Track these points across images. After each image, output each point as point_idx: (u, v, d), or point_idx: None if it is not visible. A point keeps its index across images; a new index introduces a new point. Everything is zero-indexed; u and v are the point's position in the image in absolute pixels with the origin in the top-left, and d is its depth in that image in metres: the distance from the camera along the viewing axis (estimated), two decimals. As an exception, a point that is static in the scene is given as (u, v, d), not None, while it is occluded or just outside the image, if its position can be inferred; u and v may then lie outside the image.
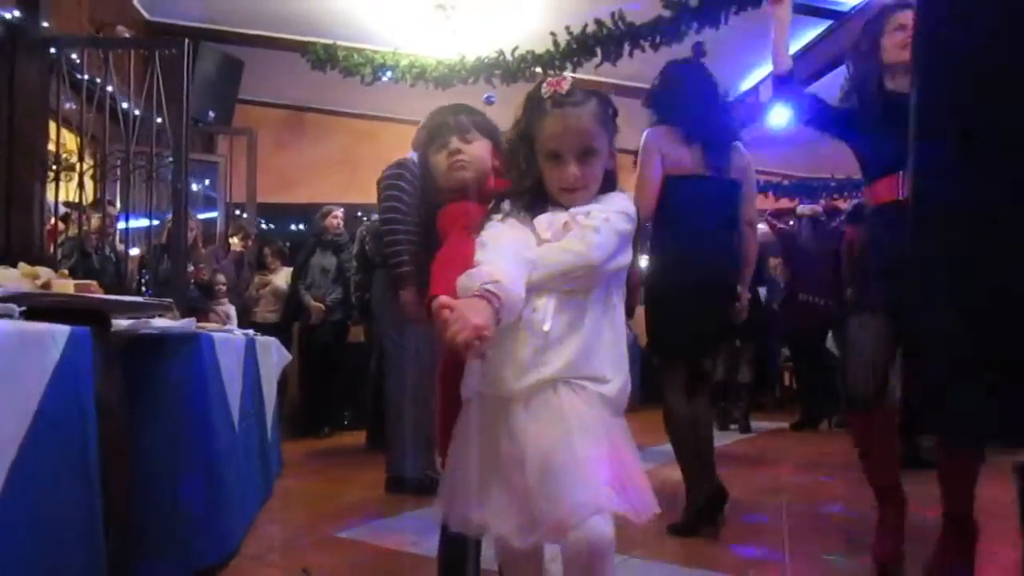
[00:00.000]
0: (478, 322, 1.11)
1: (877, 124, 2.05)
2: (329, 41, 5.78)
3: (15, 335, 1.25)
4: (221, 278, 4.95)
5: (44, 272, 1.67)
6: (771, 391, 7.44)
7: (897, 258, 1.78)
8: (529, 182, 1.35)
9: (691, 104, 2.62)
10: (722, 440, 4.69)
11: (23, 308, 1.40)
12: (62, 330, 1.41)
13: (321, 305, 5.41)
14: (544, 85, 1.34)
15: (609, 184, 1.37)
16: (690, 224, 2.53)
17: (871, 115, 2.08)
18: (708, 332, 2.62)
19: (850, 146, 2.22)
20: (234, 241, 6.09)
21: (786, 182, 7.70)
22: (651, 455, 3.83)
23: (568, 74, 1.22)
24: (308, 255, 5.60)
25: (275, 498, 3.20)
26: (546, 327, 1.24)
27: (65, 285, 1.67)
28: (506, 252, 1.26)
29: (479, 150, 1.50)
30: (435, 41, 5.56)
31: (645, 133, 2.62)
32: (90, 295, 1.68)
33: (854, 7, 4.94)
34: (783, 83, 2.21)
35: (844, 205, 6.15)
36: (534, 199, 1.34)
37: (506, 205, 1.35)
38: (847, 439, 5.02)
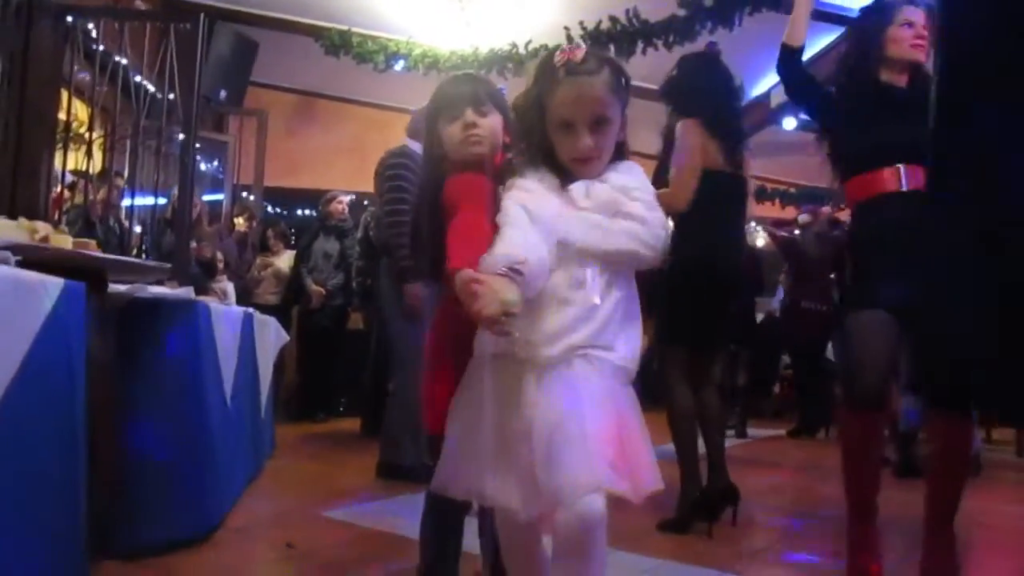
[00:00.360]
0: (508, 297, 1.10)
1: (869, 114, 2.02)
2: (344, 27, 5.77)
3: (7, 281, 1.25)
4: (219, 255, 4.95)
5: (43, 227, 1.67)
6: (769, 398, 7.42)
7: (907, 250, 1.77)
8: (540, 153, 1.32)
9: (712, 97, 2.62)
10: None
11: (19, 258, 1.40)
12: (56, 282, 1.40)
13: (322, 289, 5.41)
14: (558, 53, 1.31)
15: (620, 153, 1.35)
16: (711, 219, 2.53)
17: (864, 104, 2.05)
18: (716, 323, 2.64)
19: (831, 134, 2.17)
20: (239, 221, 6.11)
21: (793, 190, 7.67)
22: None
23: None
24: (311, 239, 5.60)
25: (265, 476, 3.20)
26: (596, 300, 1.25)
27: (64, 241, 1.67)
28: (531, 231, 1.24)
29: (493, 124, 1.45)
30: (449, 32, 5.55)
31: (682, 124, 2.60)
32: (88, 252, 1.67)
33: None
34: (791, 56, 2.15)
35: (845, 216, 6.14)
36: (547, 170, 1.32)
37: (529, 169, 1.33)
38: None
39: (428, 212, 1.43)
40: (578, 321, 1.24)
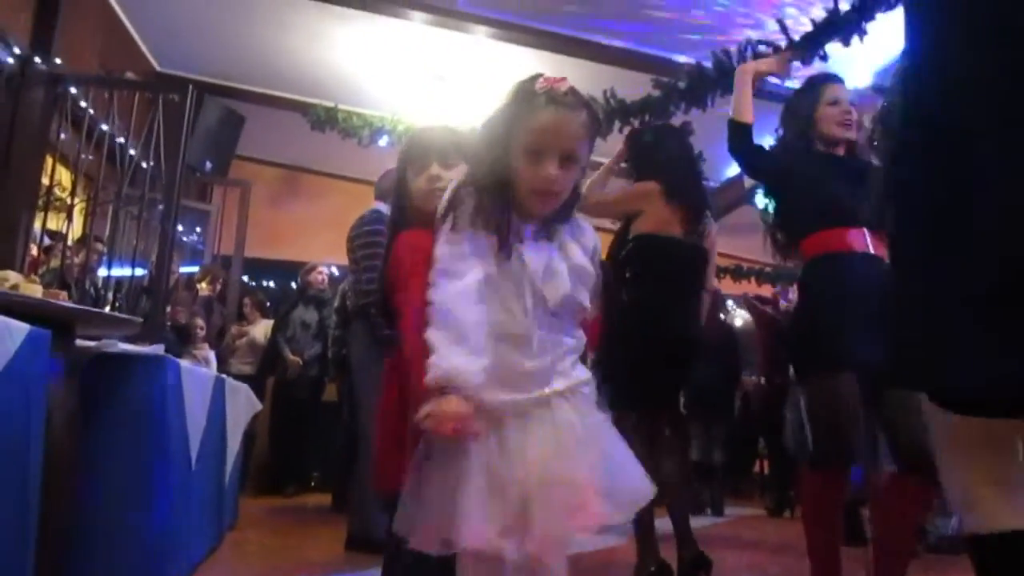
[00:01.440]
0: (459, 411, 1.11)
1: (821, 176, 2.09)
2: (330, 103, 5.93)
3: (-30, 321, 1.24)
4: (200, 322, 4.91)
5: (14, 276, 1.66)
6: (749, 475, 7.32)
7: (874, 311, 1.77)
8: (497, 176, 1.26)
9: (672, 164, 2.70)
10: (695, 523, 4.60)
11: (-16, 302, 1.39)
12: (20, 327, 1.39)
13: (298, 359, 5.36)
14: (540, 79, 1.26)
15: (573, 199, 1.32)
16: (663, 285, 2.56)
17: (812, 167, 2.12)
18: (667, 390, 2.65)
19: (779, 199, 2.23)
20: (202, 286, 6.04)
21: (769, 269, 7.81)
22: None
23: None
24: (290, 308, 5.59)
25: (225, 547, 3.09)
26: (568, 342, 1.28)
27: (33, 290, 1.66)
28: (466, 333, 1.16)
29: (458, 176, 1.40)
30: (433, 109, 5.72)
31: (641, 184, 2.68)
32: (57, 301, 1.66)
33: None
34: (742, 131, 2.24)
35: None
36: (495, 201, 1.25)
37: (463, 217, 1.25)
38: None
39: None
40: (552, 367, 1.24)
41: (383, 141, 5.86)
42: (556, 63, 5.23)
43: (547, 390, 1.22)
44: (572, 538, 1.17)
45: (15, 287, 1.61)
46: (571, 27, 4.90)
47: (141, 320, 2.02)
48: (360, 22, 5.21)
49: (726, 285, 7.78)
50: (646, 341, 2.52)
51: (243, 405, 3.65)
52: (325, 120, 5.89)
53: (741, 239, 8.05)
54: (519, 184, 1.25)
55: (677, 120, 4.28)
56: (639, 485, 1.24)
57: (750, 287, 7.93)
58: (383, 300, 1.44)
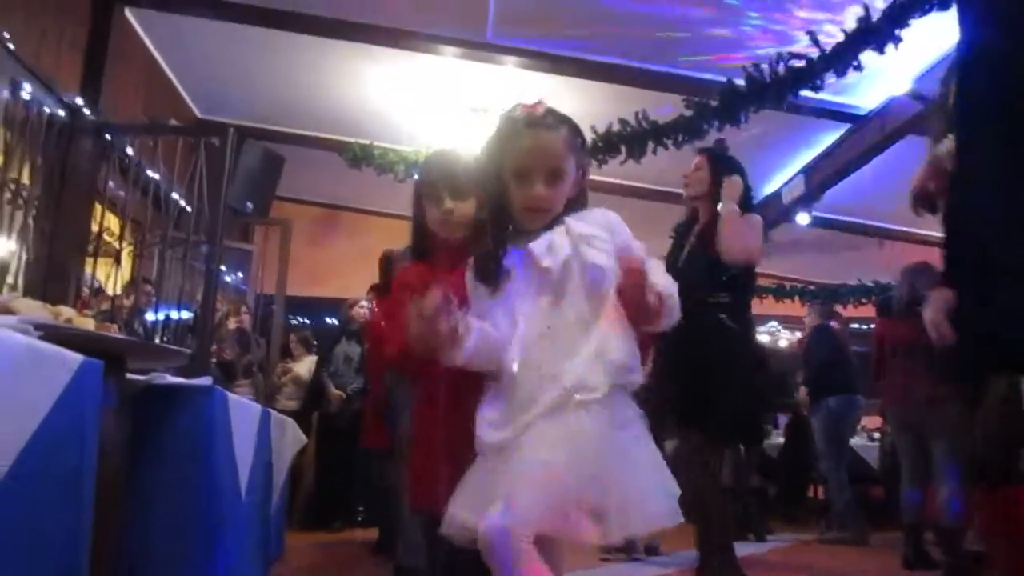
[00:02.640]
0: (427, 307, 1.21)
1: None
2: (366, 141, 6.04)
3: (28, 350, 1.27)
4: (249, 359, 4.98)
5: (67, 311, 1.70)
6: (802, 501, 7.05)
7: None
8: (496, 204, 1.37)
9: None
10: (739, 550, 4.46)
11: (40, 334, 1.43)
12: (75, 357, 1.42)
13: (342, 393, 5.39)
14: (520, 107, 1.38)
15: (581, 202, 1.40)
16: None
17: None
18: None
19: None
20: (230, 322, 6.07)
21: (811, 287, 7.67)
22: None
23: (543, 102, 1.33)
24: (333, 344, 5.64)
25: (277, 580, 3.08)
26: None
27: (86, 323, 1.69)
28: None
29: (471, 208, 1.53)
30: (466, 141, 5.79)
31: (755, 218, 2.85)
32: (109, 334, 1.70)
33: (872, 111, 5.08)
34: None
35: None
36: (500, 233, 1.37)
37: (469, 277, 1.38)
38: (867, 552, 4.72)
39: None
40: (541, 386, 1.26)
41: (419, 175, 5.95)
42: (585, 89, 5.28)
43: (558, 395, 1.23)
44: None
45: (69, 320, 1.64)
46: (599, 52, 4.94)
47: (189, 352, 2.05)
48: (392, 59, 5.32)
49: (767, 305, 7.66)
50: (752, 370, 2.69)
51: (289, 439, 3.67)
52: (361, 157, 6.00)
53: (780, 258, 7.95)
54: (515, 204, 1.36)
55: (711, 138, 4.27)
56: (657, 510, 1.22)
57: (793, 307, 7.79)
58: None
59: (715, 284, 2.68)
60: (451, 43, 5.08)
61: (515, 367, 1.27)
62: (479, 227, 1.49)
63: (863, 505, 5.39)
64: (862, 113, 5.17)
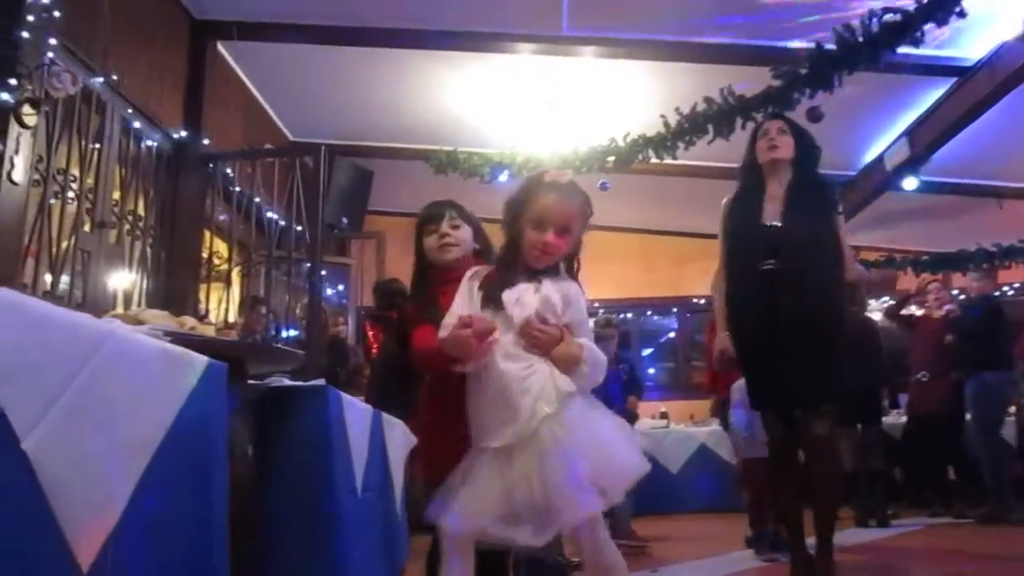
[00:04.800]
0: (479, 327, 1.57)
1: None
2: (450, 147, 6.14)
3: (158, 351, 1.34)
4: (350, 366, 5.14)
5: (190, 320, 1.80)
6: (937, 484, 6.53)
7: None
8: (514, 241, 1.69)
9: None
10: (858, 537, 4.25)
11: (169, 339, 1.51)
12: (200, 359, 1.49)
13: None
14: (548, 174, 1.72)
15: (575, 267, 1.74)
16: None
17: None
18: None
19: None
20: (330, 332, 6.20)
21: (926, 257, 7.20)
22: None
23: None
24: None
25: (403, 577, 3.14)
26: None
27: (207, 331, 1.79)
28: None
29: (464, 234, 1.92)
30: (548, 137, 5.79)
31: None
32: (229, 339, 1.78)
33: (979, 61, 4.73)
34: None
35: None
36: (509, 264, 1.70)
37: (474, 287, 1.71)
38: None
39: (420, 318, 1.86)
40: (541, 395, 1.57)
41: (503, 176, 5.98)
42: (666, 70, 5.18)
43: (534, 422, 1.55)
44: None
45: (192, 328, 1.74)
46: (677, 32, 4.82)
47: (303, 353, 2.13)
48: (470, 63, 5.38)
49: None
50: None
51: (400, 440, 3.75)
52: (447, 163, 6.10)
53: (888, 230, 7.53)
54: (526, 245, 1.68)
55: (802, 108, 4.09)
56: (627, 465, 1.57)
57: (905, 280, 7.34)
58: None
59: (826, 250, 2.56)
60: (527, 40, 5.09)
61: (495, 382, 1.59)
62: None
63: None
64: (969, 65, 4.82)
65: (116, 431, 1.16)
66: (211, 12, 4.95)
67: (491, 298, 1.66)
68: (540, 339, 1.60)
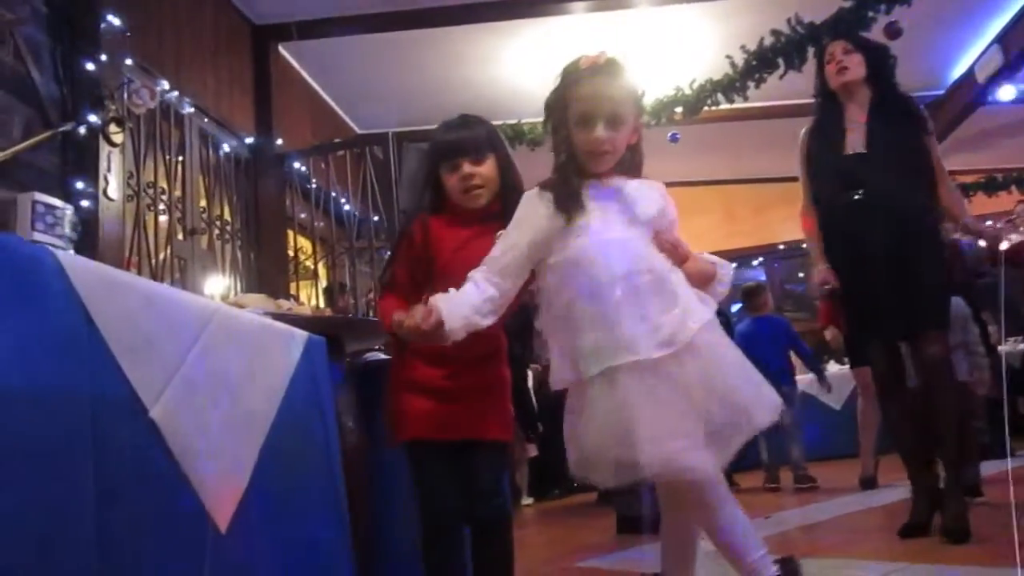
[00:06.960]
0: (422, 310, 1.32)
1: None
2: (514, 120, 6.10)
3: (264, 326, 1.40)
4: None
5: (285, 303, 1.86)
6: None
7: None
8: (565, 147, 1.45)
9: None
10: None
11: (270, 318, 1.57)
12: (300, 333, 1.54)
13: (537, 366, 5.50)
14: (583, 59, 1.46)
15: (638, 160, 1.50)
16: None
17: None
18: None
19: None
20: None
21: (1030, 173, 6.73)
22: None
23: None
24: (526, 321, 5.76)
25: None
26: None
27: (303, 311, 1.85)
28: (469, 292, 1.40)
29: (490, 170, 1.59)
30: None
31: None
32: (325, 315, 1.84)
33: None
34: None
35: None
36: (568, 180, 1.44)
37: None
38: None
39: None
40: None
41: (570, 141, 5.92)
42: (725, 8, 4.98)
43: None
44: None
45: (289, 309, 1.80)
46: (736, -34, 4.63)
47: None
48: (526, 30, 5.33)
49: (978, 203, 6.83)
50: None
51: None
52: (512, 137, 6.07)
53: (987, 148, 7.06)
54: (579, 148, 1.44)
55: (878, 27, 3.86)
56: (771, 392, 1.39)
57: (1007, 200, 6.87)
58: None
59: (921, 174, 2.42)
60: (580, -1, 5.00)
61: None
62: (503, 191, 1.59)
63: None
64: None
65: (232, 403, 1.21)
66: (269, 16, 5.06)
67: (564, 203, 1.41)
68: (677, 251, 1.42)
